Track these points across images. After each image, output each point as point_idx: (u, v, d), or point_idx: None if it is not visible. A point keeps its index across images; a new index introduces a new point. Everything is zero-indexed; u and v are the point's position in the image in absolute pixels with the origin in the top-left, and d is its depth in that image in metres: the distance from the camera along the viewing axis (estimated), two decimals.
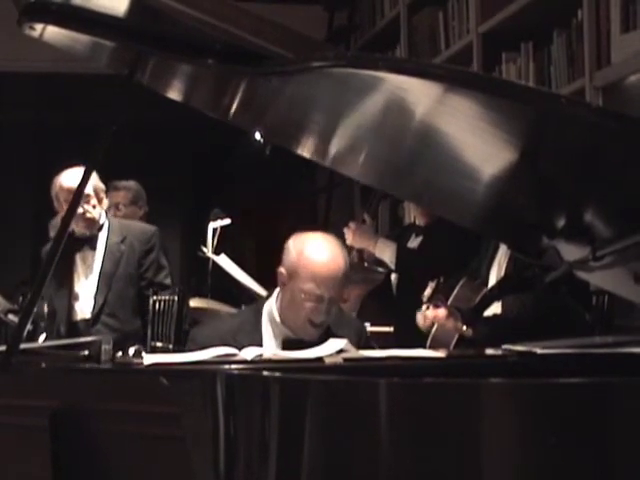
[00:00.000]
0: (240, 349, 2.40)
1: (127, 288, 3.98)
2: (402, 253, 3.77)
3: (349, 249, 4.56)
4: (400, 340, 3.53)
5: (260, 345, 2.53)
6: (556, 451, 1.48)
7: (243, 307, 4.10)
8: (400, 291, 4.04)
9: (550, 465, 1.49)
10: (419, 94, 1.61)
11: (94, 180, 3.85)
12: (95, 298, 3.92)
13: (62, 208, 3.87)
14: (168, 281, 4.11)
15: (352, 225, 3.93)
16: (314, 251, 2.54)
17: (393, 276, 4.20)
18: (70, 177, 3.86)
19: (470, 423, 1.52)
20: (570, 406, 1.50)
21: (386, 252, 3.83)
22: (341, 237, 5.39)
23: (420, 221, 3.91)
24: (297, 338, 2.54)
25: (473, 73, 1.90)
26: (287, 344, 2.54)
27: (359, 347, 2.52)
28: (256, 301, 3.19)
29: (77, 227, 3.91)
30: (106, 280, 3.94)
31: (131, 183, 4.92)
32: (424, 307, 3.08)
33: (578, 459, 1.50)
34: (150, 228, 4.20)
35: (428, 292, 3.10)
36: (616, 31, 3.53)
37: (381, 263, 4.48)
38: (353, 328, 2.70)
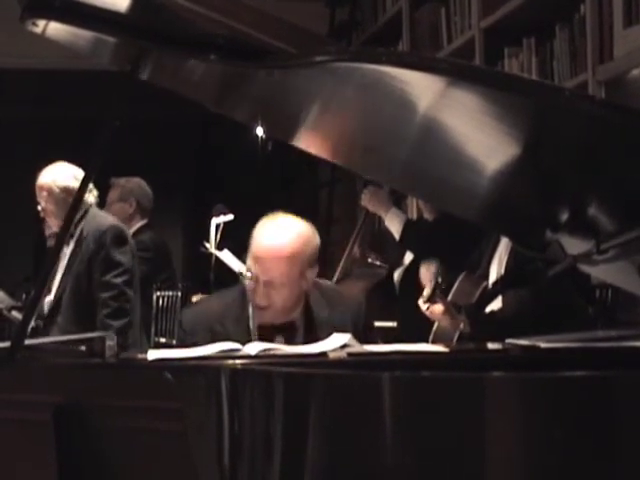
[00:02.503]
0: (227, 334, 2.33)
1: (76, 288, 3.72)
2: (409, 227, 3.84)
3: (352, 244, 4.58)
4: (404, 335, 3.54)
5: (248, 328, 2.48)
6: (560, 444, 1.48)
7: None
8: (403, 287, 4.06)
9: (554, 458, 1.49)
10: (422, 88, 1.60)
11: (46, 177, 3.80)
12: (53, 297, 3.75)
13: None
14: (117, 280, 3.72)
15: (371, 188, 4.01)
16: (261, 231, 2.50)
17: (396, 274, 4.22)
18: (42, 174, 3.82)
19: (473, 416, 1.52)
20: (574, 399, 1.50)
21: (395, 222, 3.91)
22: (342, 233, 5.42)
23: (428, 216, 3.94)
24: (266, 323, 2.47)
25: (476, 66, 1.90)
26: (260, 330, 2.48)
27: (356, 326, 2.49)
28: None
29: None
30: (64, 279, 3.74)
31: (123, 180, 4.87)
32: (420, 301, 3.09)
33: (582, 452, 1.50)
34: (104, 223, 3.79)
35: (427, 292, 3.10)
36: (619, 25, 3.53)
37: (383, 260, 4.49)
38: (349, 308, 2.61)
